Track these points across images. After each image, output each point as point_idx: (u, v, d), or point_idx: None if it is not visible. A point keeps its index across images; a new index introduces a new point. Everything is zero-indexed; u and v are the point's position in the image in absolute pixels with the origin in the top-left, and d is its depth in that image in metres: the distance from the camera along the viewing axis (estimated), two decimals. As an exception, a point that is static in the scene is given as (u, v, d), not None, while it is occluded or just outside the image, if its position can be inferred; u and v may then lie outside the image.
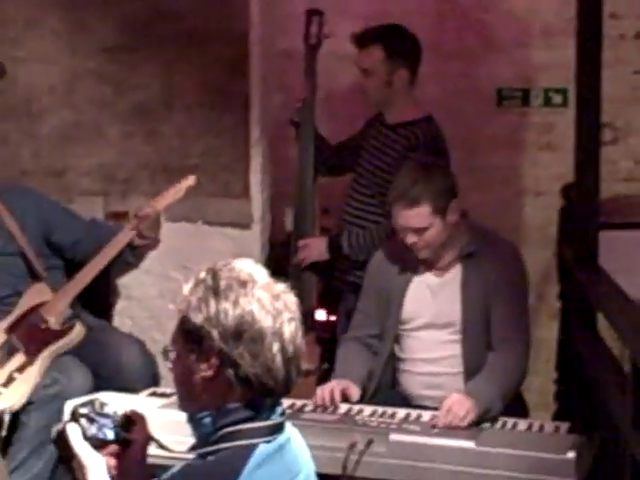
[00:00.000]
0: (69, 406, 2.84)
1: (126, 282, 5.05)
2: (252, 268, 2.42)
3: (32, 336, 4.46)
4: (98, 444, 2.48)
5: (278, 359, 2.32)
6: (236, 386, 2.31)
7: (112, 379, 4.22)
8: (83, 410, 2.50)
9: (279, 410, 2.40)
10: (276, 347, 2.32)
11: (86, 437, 2.48)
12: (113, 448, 2.50)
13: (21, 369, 4.38)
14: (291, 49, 5.05)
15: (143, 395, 3.97)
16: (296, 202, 4.74)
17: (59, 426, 2.54)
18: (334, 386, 3.85)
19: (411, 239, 3.90)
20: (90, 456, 2.46)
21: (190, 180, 4.49)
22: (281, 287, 2.41)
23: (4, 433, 4.31)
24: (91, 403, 2.52)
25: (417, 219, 3.86)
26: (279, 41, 5.16)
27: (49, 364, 4.43)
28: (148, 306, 5.16)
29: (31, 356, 4.42)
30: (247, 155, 5.02)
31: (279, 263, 4.70)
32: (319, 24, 4.68)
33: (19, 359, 4.42)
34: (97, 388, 4.18)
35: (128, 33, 5.04)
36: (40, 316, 4.50)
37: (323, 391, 3.84)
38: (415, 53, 4.56)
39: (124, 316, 5.12)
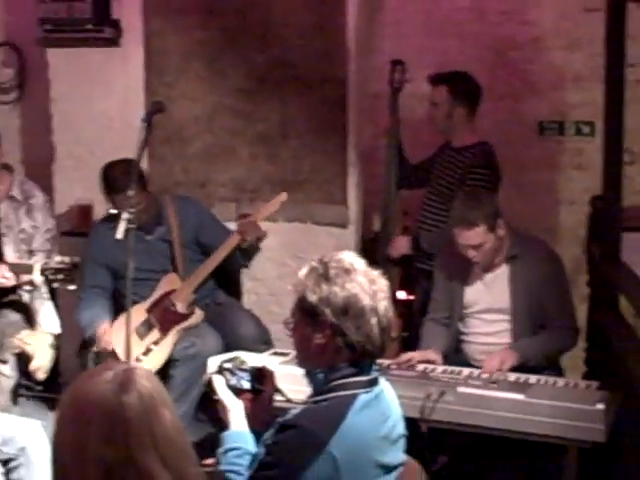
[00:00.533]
0: (215, 361, 2.85)
1: (253, 267, 5.01)
2: (353, 259, 2.43)
3: (165, 317, 4.48)
4: (237, 392, 2.52)
5: (375, 329, 2.33)
6: (343, 350, 2.32)
7: (234, 345, 4.19)
8: (227, 365, 2.54)
9: (375, 368, 2.40)
10: (374, 320, 2.32)
11: (228, 386, 2.52)
12: (248, 395, 2.53)
13: (156, 342, 4.43)
14: (379, 91, 5.00)
15: (267, 354, 3.98)
16: (382, 208, 4.72)
17: (208, 376, 2.58)
18: (416, 354, 3.84)
19: (471, 254, 3.86)
20: (231, 401, 2.50)
21: (283, 196, 4.49)
22: (375, 273, 2.40)
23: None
24: (233, 360, 2.56)
25: (475, 238, 3.81)
26: (370, 85, 5.12)
27: (177, 339, 4.45)
28: (269, 285, 5.15)
29: (164, 332, 4.45)
30: (345, 172, 4.99)
31: (369, 255, 4.63)
32: (401, 71, 4.65)
33: (155, 334, 4.46)
34: (225, 350, 4.18)
35: (255, 77, 5.03)
36: (171, 301, 4.52)
37: (406, 356, 3.83)
38: (474, 94, 4.51)
39: (251, 293, 5.13)
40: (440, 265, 4.14)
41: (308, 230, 5.05)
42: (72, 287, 4.08)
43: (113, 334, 4.40)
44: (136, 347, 4.40)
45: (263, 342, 4.46)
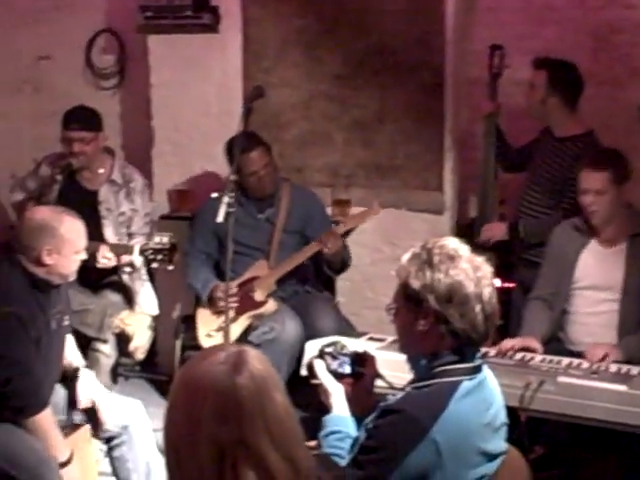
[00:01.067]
0: (316, 346, 2.85)
1: None
2: (457, 245, 2.38)
3: (242, 300, 4.50)
4: (338, 376, 2.51)
5: (480, 317, 2.29)
6: (447, 337, 2.29)
7: (313, 335, 4.16)
8: (328, 349, 2.53)
9: (478, 355, 2.36)
10: (478, 307, 2.29)
11: (329, 370, 2.51)
12: (349, 380, 2.52)
13: (231, 321, 4.37)
14: (476, 77, 4.95)
15: (364, 339, 3.97)
16: (480, 194, 4.65)
17: (309, 360, 2.58)
18: (517, 342, 3.75)
19: (589, 200, 3.80)
20: (332, 385, 2.50)
21: (376, 210, 4.46)
22: (480, 259, 2.36)
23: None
24: (334, 344, 2.54)
25: (599, 182, 3.77)
26: (467, 70, 5.07)
27: (247, 325, 4.50)
28: (363, 271, 5.16)
29: (237, 315, 4.47)
30: (441, 158, 4.96)
31: (464, 242, 4.62)
32: (500, 57, 4.58)
33: (229, 314, 4.46)
34: (306, 338, 4.18)
35: (352, 64, 5.04)
36: (252, 287, 4.55)
37: (508, 343, 3.75)
38: (573, 86, 4.40)
39: (345, 279, 5.11)
40: (554, 238, 4.04)
41: (402, 216, 5.03)
42: (170, 267, 4.14)
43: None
44: (211, 322, 4.51)
45: (339, 334, 4.43)
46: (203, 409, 1.64)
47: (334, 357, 2.51)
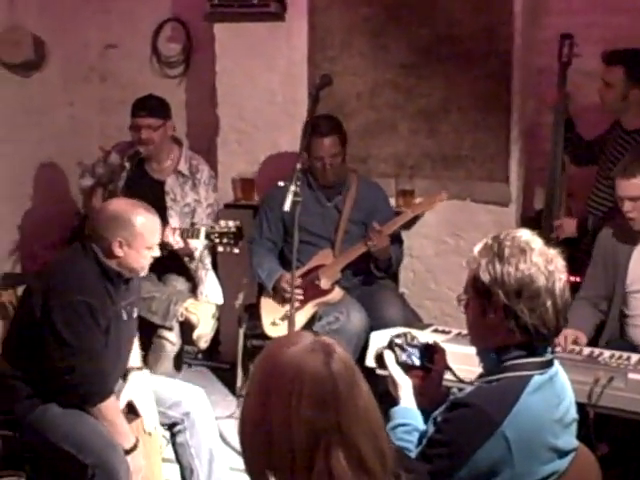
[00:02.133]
0: (384, 336, 2.82)
1: (410, 244, 5.02)
2: (529, 237, 2.32)
3: (308, 288, 4.50)
4: (407, 368, 2.47)
5: (550, 311, 2.24)
6: (516, 332, 2.24)
7: (378, 326, 4.11)
8: (398, 340, 2.48)
9: (549, 349, 2.31)
10: (549, 302, 2.23)
11: (398, 362, 2.47)
12: (418, 372, 2.48)
13: (295, 310, 4.38)
14: (544, 66, 4.87)
15: (428, 331, 3.93)
16: (547, 186, 4.54)
17: (378, 350, 2.55)
18: (567, 333, 3.69)
19: (626, 207, 3.74)
20: (401, 377, 2.46)
21: (442, 197, 4.41)
22: (553, 252, 2.30)
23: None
24: (404, 335, 2.50)
25: (631, 189, 3.70)
26: (535, 60, 4.99)
27: (313, 313, 4.50)
28: (426, 263, 5.15)
29: (302, 303, 4.47)
30: (507, 149, 4.89)
31: (530, 234, 4.56)
32: (570, 46, 4.49)
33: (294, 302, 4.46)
34: (371, 329, 4.16)
35: (417, 53, 4.99)
36: (317, 275, 4.55)
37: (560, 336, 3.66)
38: None
39: (408, 270, 5.12)
40: (601, 240, 3.99)
41: (467, 208, 4.99)
42: (236, 250, 4.14)
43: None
44: (276, 310, 4.53)
45: (405, 325, 4.38)
46: (301, 396, 1.67)
47: (403, 349, 2.47)
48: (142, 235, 3.32)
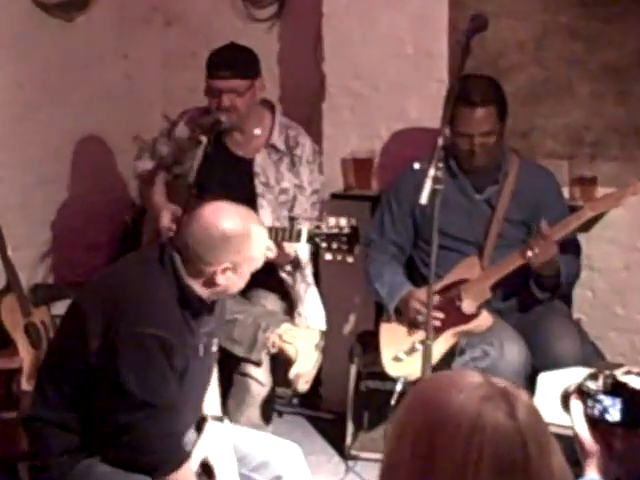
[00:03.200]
0: (555, 380, 2.78)
1: (589, 252, 4.95)
2: None
3: (445, 310, 4.48)
4: (601, 423, 2.34)
5: None
6: None
7: (544, 364, 4.10)
8: (590, 385, 2.36)
9: None
10: None
11: (587, 415, 2.35)
12: (617, 431, 2.34)
13: (424, 341, 4.30)
14: None
15: (619, 372, 3.82)
16: None
17: (568, 388, 2.44)
18: None
19: None
20: (588, 440, 2.33)
21: (636, 189, 4.35)
22: None
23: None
24: (599, 377, 2.38)
25: None
26: None
27: (450, 345, 4.50)
28: (611, 278, 5.08)
29: (437, 331, 4.40)
30: None
31: None
32: None
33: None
34: (532, 369, 4.21)
35: (605, -15, 4.94)
36: (458, 293, 4.55)
37: None
38: None
39: (585, 288, 5.04)
40: None
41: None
42: (350, 259, 4.11)
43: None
44: (400, 341, 4.55)
45: (582, 361, 4.35)
46: (481, 459, 1.71)
47: (595, 399, 2.35)
48: (254, 260, 3.43)
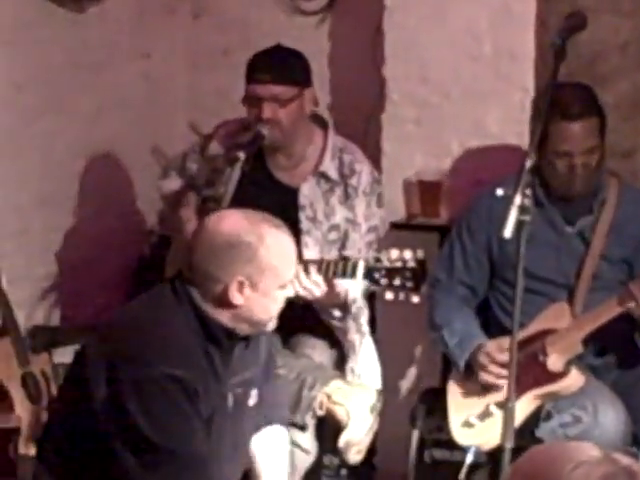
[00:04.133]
0: None
1: None
2: None
3: (526, 367, 4.45)
4: None
5: None
6: None
7: None
8: None
9: None
10: None
11: None
12: None
13: (502, 404, 4.27)
14: None
15: None
16: None
17: None
18: None
19: None
20: None
21: None
22: None
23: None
24: None
25: None
26: None
27: (534, 409, 4.50)
28: None
29: (519, 391, 4.32)
30: None
31: None
32: None
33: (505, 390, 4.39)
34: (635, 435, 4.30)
35: None
36: (543, 346, 4.55)
37: None
38: None
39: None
40: None
41: None
42: (416, 299, 4.14)
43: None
44: (472, 402, 4.58)
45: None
46: None
47: None
48: (274, 269, 3.41)
